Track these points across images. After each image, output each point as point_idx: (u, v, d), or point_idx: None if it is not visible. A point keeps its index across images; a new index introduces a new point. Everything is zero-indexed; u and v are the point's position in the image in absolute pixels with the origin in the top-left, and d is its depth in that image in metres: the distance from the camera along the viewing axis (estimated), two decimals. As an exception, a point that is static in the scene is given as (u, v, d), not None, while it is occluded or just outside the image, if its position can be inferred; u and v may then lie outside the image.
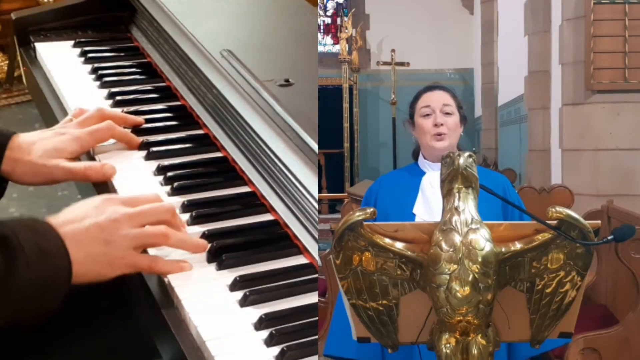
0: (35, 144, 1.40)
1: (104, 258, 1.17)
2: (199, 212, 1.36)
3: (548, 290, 1.15)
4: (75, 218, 1.18)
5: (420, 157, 1.82)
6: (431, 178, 1.73)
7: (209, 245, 1.28)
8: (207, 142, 1.58)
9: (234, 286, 1.21)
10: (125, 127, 1.55)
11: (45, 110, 1.76)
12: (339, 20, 9.03)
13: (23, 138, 1.40)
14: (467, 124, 1.83)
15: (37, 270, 1.08)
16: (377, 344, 1.61)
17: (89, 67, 1.82)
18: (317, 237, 1.30)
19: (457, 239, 1.09)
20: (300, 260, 1.30)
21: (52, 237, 1.13)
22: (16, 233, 1.09)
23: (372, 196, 1.80)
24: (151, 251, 1.26)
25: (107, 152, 1.51)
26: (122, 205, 1.23)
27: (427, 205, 1.70)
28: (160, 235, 1.23)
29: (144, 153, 1.52)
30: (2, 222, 1.11)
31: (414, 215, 1.70)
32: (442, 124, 1.73)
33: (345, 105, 8.29)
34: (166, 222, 1.25)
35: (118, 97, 1.69)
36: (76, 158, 1.45)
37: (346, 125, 8.27)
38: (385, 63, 8.43)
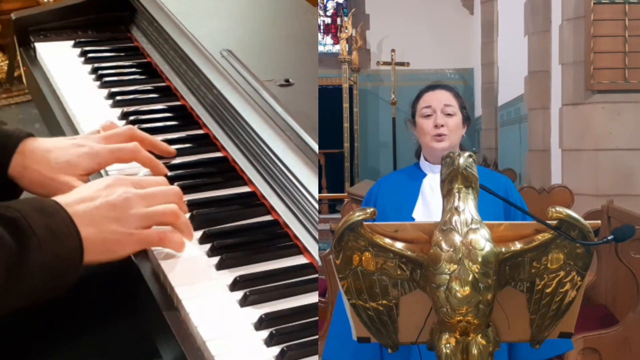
0: (50, 153, 1.33)
1: (114, 236, 1.17)
2: (199, 212, 1.36)
3: (548, 290, 1.15)
4: (86, 197, 1.18)
5: (422, 158, 1.80)
6: (432, 181, 1.71)
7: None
8: (207, 142, 1.58)
9: (234, 286, 1.21)
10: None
11: (45, 110, 1.76)
12: (339, 20, 9.03)
13: (38, 144, 1.33)
14: (470, 124, 1.80)
15: (49, 251, 1.08)
16: (376, 348, 1.62)
17: (89, 67, 1.82)
18: (317, 237, 1.30)
19: (457, 239, 1.09)
20: (300, 260, 1.30)
21: (61, 217, 1.12)
22: (25, 216, 1.08)
23: (372, 198, 1.79)
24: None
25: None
26: (132, 186, 1.24)
27: (427, 209, 1.69)
28: (170, 213, 1.25)
29: (144, 153, 1.52)
30: (9, 204, 1.10)
31: (413, 219, 1.69)
32: (442, 125, 1.70)
33: (345, 105, 8.29)
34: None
35: (118, 97, 1.69)
36: (91, 174, 1.38)
37: (346, 125, 8.27)
38: (385, 63, 8.43)
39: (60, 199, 1.17)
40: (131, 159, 1.41)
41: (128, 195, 1.21)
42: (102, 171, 1.45)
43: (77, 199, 1.18)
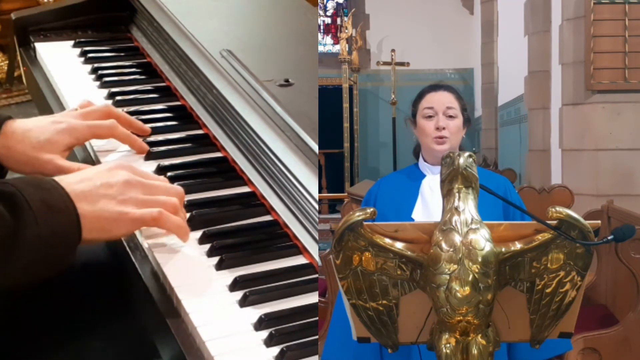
0: (30, 132, 1.38)
1: (110, 214, 1.18)
2: (199, 212, 1.36)
3: (548, 290, 1.15)
4: (86, 177, 1.21)
5: (421, 159, 1.80)
6: (431, 182, 1.71)
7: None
8: (207, 142, 1.58)
9: (234, 286, 1.21)
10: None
11: (45, 110, 1.75)
12: (339, 20, 9.03)
13: (18, 124, 1.38)
14: (470, 126, 1.80)
15: (45, 225, 1.09)
16: (376, 349, 1.62)
17: (89, 67, 1.82)
18: (317, 237, 1.30)
19: (457, 239, 1.09)
20: (300, 260, 1.30)
21: (57, 192, 1.14)
22: (21, 190, 1.10)
23: (371, 199, 1.79)
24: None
25: (108, 153, 1.51)
26: (134, 174, 1.25)
27: (427, 209, 1.69)
28: (170, 204, 1.25)
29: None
30: (6, 180, 1.12)
31: (412, 220, 1.68)
32: (444, 128, 1.70)
33: (345, 105, 8.29)
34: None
35: (118, 97, 1.69)
36: (71, 149, 1.44)
37: (346, 125, 8.27)
38: (385, 63, 8.43)
39: (59, 178, 1.19)
40: (108, 135, 1.47)
41: (128, 179, 1.23)
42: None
43: (77, 179, 1.20)
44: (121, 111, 1.53)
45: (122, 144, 1.52)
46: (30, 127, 1.39)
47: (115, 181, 1.21)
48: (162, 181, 1.32)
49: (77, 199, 1.15)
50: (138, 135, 1.52)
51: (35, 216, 1.09)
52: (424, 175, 1.76)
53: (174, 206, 1.25)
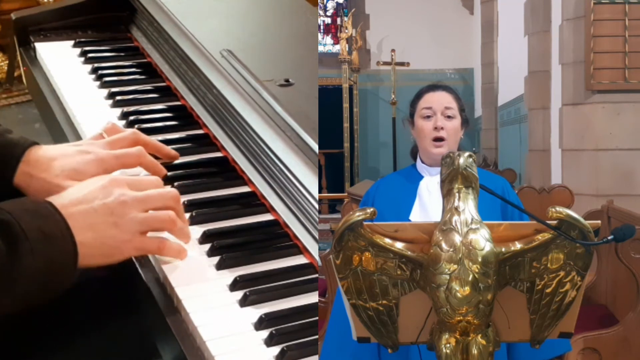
0: (55, 161, 1.32)
1: (112, 241, 1.17)
2: (199, 212, 1.36)
3: (548, 290, 1.15)
4: (84, 199, 1.17)
5: (418, 161, 1.79)
6: (429, 183, 1.71)
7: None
8: (207, 142, 1.58)
9: (234, 286, 1.21)
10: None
11: (45, 110, 1.76)
12: (339, 20, 9.03)
13: (43, 152, 1.32)
14: (468, 127, 1.79)
15: (41, 255, 1.07)
16: (374, 349, 1.62)
17: (89, 67, 1.82)
18: (317, 237, 1.30)
19: (457, 239, 1.09)
20: (300, 260, 1.30)
21: (55, 220, 1.11)
22: (18, 218, 1.07)
23: (369, 200, 1.78)
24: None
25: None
26: (129, 188, 1.22)
27: (424, 211, 1.68)
28: (168, 220, 1.24)
29: (144, 153, 1.52)
30: (2, 206, 1.09)
31: (410, 222, 1.68)
32: (442, 128, 1.69)
33: (345, 105, 8.29)
34: (171, 208, 1.26)
35: (118, 97, 1.70)
36: None
37: (346, 125, 8.27)
38: (385, 63, 8.43)
39: (55, 200, 1.15)
40: (136, 163, 1.41)
41: (125, 199, 1.20)
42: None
43: (74, 200, 1.16)
44: (148, 137, 1.47)
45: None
46: (56, 155, 1.33)
47: (111, 201, 1.18)
48: (154, 183, 1.30)
49: (77, 225, 1.12)
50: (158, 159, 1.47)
51: (32, 246, 1.06)
52: (421, 177, 1.75)
53: (171, 220, 1.24)
